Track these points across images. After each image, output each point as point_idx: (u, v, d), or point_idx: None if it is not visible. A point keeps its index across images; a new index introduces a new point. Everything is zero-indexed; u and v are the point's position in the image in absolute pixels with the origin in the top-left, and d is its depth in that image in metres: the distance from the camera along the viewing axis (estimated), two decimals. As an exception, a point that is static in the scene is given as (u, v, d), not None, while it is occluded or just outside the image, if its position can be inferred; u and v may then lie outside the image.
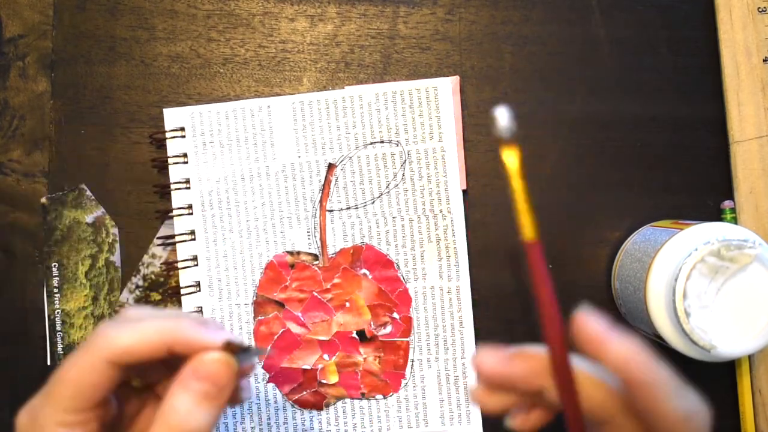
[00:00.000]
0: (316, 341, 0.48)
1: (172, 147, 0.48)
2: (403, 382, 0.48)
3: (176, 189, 0.48)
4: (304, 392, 0.48)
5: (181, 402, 0.31)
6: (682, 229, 0.41)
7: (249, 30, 0.50)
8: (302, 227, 0.48)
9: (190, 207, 0.48)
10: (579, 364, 0.32)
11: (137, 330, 0.32)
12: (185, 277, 0.48)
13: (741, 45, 0.48)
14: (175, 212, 0.48)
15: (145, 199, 0.49)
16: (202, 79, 0.49)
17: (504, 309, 0.49)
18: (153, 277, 0.49)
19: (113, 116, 0.49)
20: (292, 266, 0.48)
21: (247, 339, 0.48)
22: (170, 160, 0.48)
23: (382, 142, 0.48)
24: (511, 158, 0.31)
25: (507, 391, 0.33)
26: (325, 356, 0.48)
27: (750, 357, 0.47)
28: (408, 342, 0.48)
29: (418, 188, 0.48)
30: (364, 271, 0.48)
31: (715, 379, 0.48)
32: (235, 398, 0.36)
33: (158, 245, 0.49)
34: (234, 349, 0.33)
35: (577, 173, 0.49)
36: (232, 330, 0.48)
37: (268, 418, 0.47)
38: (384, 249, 0.48)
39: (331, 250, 0.48)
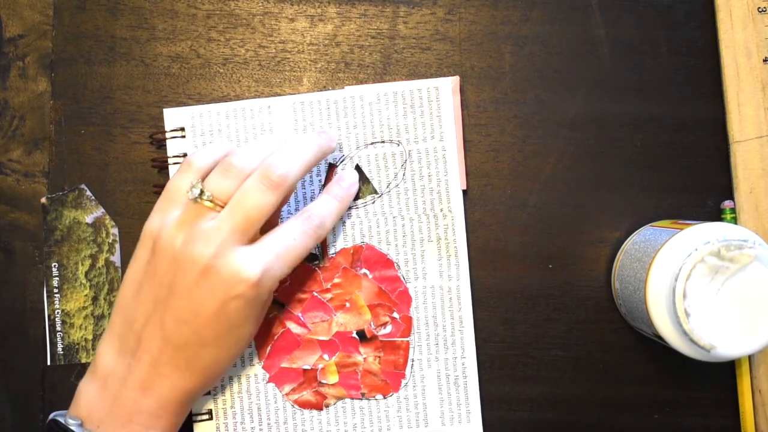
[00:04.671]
0: (316, 341, 0.48)
1: (172, 147, 0.48)
2: (403, 382, 0.48)
3: (176, 189, 0.48)
4: (304, 392, 0.48)
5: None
6: (682, 229, 0.42)
7: (249, 30, 0.50)
8: (302, 227, 0.48)
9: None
10: None
11: (303, 162, 0.43)
12: (185, 277, 0.48)
13: (741, 45, 0.48)
14: (175, 212, 0.48)
15: (145, 199, 0.49)
16: (202, 79, 0.49)
17: (504, 309, 0.49)
18: (153, 277, 0.49)
19: (113, 116, 0.49)
20: (292, 266, 0.48)
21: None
22: (170, 161, 0.48)
23: (382, 142, 0.48)
24: None
25: None
26: (325, 356, 0.48)
27: (750, 357, 0.47)
28: (408, 342, 0.48)
29: (419, 188, 0.48)
30: (364, 270, 0.48)
31: (715, 379, 0.48)
32: None
33: (158, 245, 0.49)
34: None
35: (577, 173, 0.49)
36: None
37: (268, 418, 0.47)
38: (384, 249, 0.48)
39: (331, 250, 0.48)
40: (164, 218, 0.42)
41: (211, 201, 0.41)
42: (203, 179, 0.43)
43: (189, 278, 0.41)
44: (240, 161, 0.42)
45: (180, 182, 0.43)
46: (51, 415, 0.42)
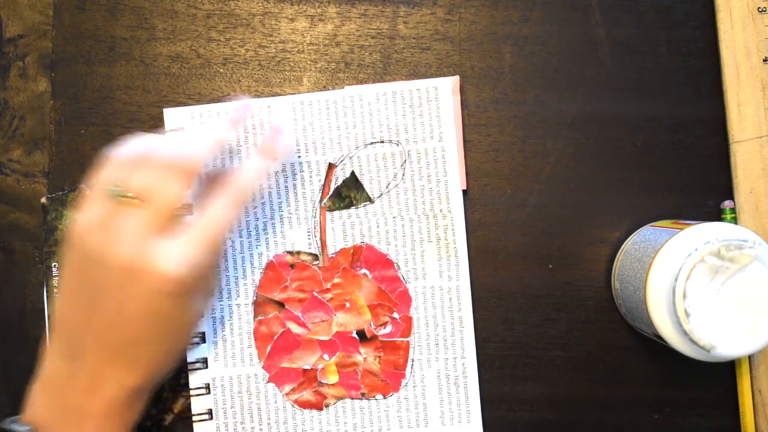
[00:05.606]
0: (316, 341, 0.48)
1: (172, 147, 0.48)
2: (403, 382, 0.48)
3: (176, 189, 0.48)
4: (304, 392, 0.48)
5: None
6: (682, 229, 0.42)
7: (249, 30, 0.50)
8: (302, 227, 0.48)
9: (190, 207, 0.48)
10: None
11: (209, 147, 0.43)
12: (185, 277, 0.48)
13: (741, 45, 0.48)
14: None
15: (145, 199, 0.49)
16: (202, 79, 0.49)
17: (504, 309, 0.49)
18: (153, 277, 0.49)
19: (113, 116, 0.49)
20: (292, 266, 0.48)
21: (247, 339, 0.48)
22: (170, 160, 0.48)
23: (382, 142, 0.48)
24: None
25: None
26: (325, 356, 0.48)
27: (750, 357, 0.47)
28: (408, 342, 0.48)
29: (418, 188, 0.48)
30: (364, 270, 0.48)
31: (715, 379, 0.48)
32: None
33: (158, 245, 0.49)
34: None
35: (577, 173, 0.49)
36: (232, 331, 0.48)
37: (268, 418, 0.47)
38: (384, 249, 0.48)
39: (331, 250, 0.48)
40: (84, 219, 0.41)
41: (124, 196, 0.40)
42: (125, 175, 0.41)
43: (113, 280, 0.39)
44: (154, 154, 0.41)
45: (99, 179, 0.41)
46: (8, 420, 0.41)
